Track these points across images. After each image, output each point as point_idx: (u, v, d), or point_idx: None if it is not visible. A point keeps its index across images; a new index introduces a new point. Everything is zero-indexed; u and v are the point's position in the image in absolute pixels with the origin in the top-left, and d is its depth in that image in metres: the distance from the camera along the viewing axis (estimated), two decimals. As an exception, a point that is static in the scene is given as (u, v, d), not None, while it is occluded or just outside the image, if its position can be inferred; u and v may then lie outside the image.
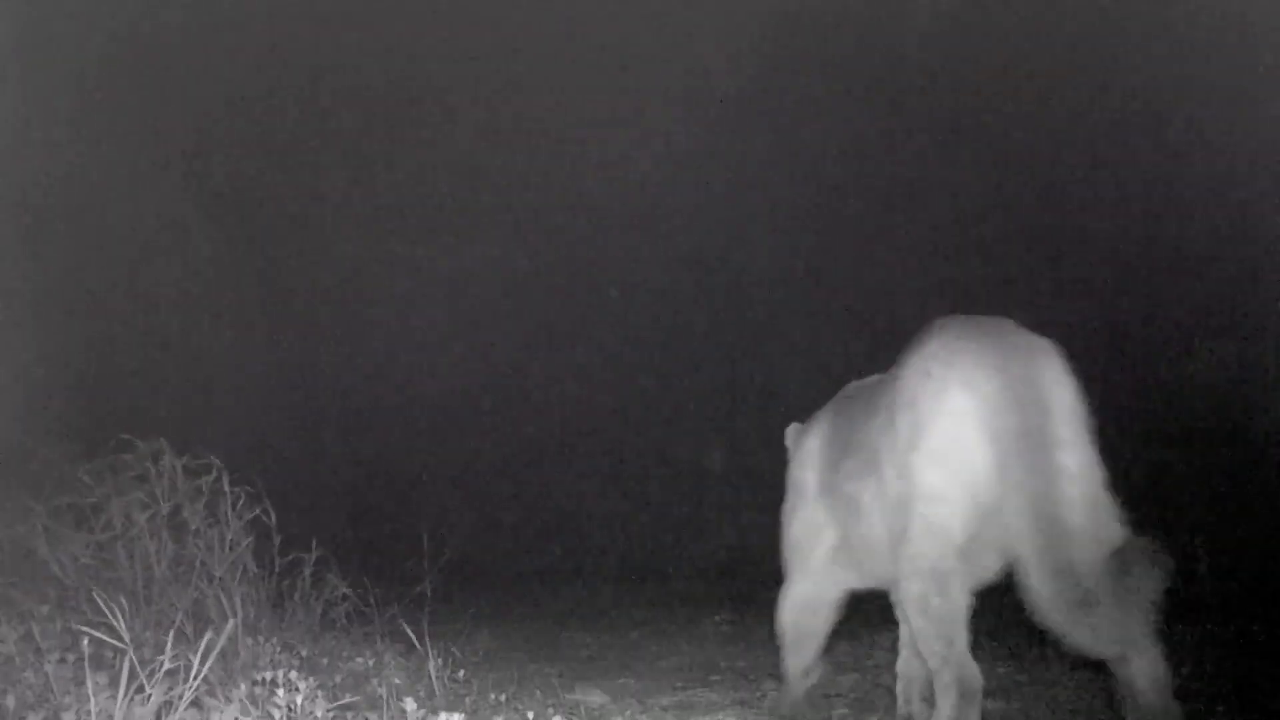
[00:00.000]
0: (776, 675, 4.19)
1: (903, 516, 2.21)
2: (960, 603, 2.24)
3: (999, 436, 2.10)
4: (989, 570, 2.37)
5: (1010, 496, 2.08)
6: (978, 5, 8.45)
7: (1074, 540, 2.05)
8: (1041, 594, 2.06)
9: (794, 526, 2.85)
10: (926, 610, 2.22)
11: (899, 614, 2.73)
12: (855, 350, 10.17)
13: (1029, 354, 2.22)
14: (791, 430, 3.01)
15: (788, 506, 2.91)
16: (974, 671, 2.26)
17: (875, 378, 2.73)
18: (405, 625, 3.67)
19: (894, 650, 4.34)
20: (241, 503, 3.86)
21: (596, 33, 8.84)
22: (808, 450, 2.79)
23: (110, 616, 2.52)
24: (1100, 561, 2.02)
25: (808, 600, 2.86)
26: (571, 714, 3.14)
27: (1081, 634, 2.04)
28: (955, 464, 2.14)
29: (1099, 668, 3.77)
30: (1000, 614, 5.28)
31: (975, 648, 4.17)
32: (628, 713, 3.26)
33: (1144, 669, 2.17)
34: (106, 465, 3.87)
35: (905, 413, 2.21)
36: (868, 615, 5.50)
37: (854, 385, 2.87)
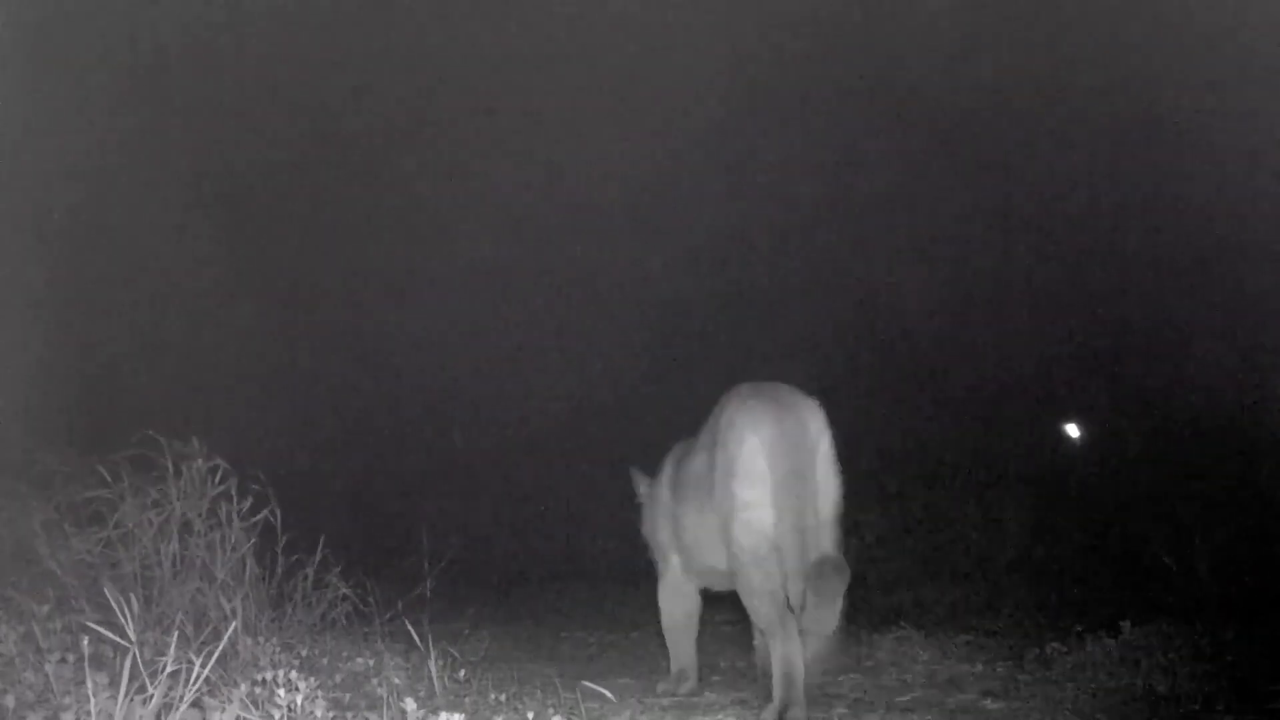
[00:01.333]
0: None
1: (728, 525, 3.01)
2: (777, 580, 2.94)
3: (777, 471, 2.90)
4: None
5: (783, 515, 2.87)
6: (977, 6, 8.45)
7: (812, 551, 2.85)
8: (791, 586, 2.88)
9: (657, 534, 3.74)
10: (752, 586, 2.99)
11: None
12: (854, 350, 10.17)
13: (799, 412, 3.00)
14: (634, 471, 4.00)
15: (647, 522, 3.87)
16: (790, 619, 2.96)
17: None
18: (408, 625, 3.68)
19: (895, 651, 4.36)
20: (248, 503, 3.86)
21: (596, 33, 8.84)
22: (664, 474, 3.68)
23: (119, 614, 2.52)
24: (810, 568, 2.83)
25: (677, 586, 3.69)
26: (571, 714, 3.14)
27: (811, 619, 2.84)
28: (758, 482, 2.92)
29: (1099, 668, 3.79)
30: (999, 614, 5.30)
31: (976, 648, 4.20)
32: (628, 713, 3.27)
33: (783, 654, 2.93)
34: (123, 462, 3.87)
35: (721, 452, 3.04)
36: (868, 616, 5.52)
37: (685, 441, 3.66)
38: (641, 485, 3.96)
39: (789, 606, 2.91)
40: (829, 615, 2.83)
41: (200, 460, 3.82)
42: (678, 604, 3.71)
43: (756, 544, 2.93)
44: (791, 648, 2.92)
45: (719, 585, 3.51)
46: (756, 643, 3.46)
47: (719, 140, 9.64)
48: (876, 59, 9.07)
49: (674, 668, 3.76)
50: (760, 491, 2.91)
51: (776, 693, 2.96)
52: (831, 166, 9.94)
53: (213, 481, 3.83)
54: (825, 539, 2.95)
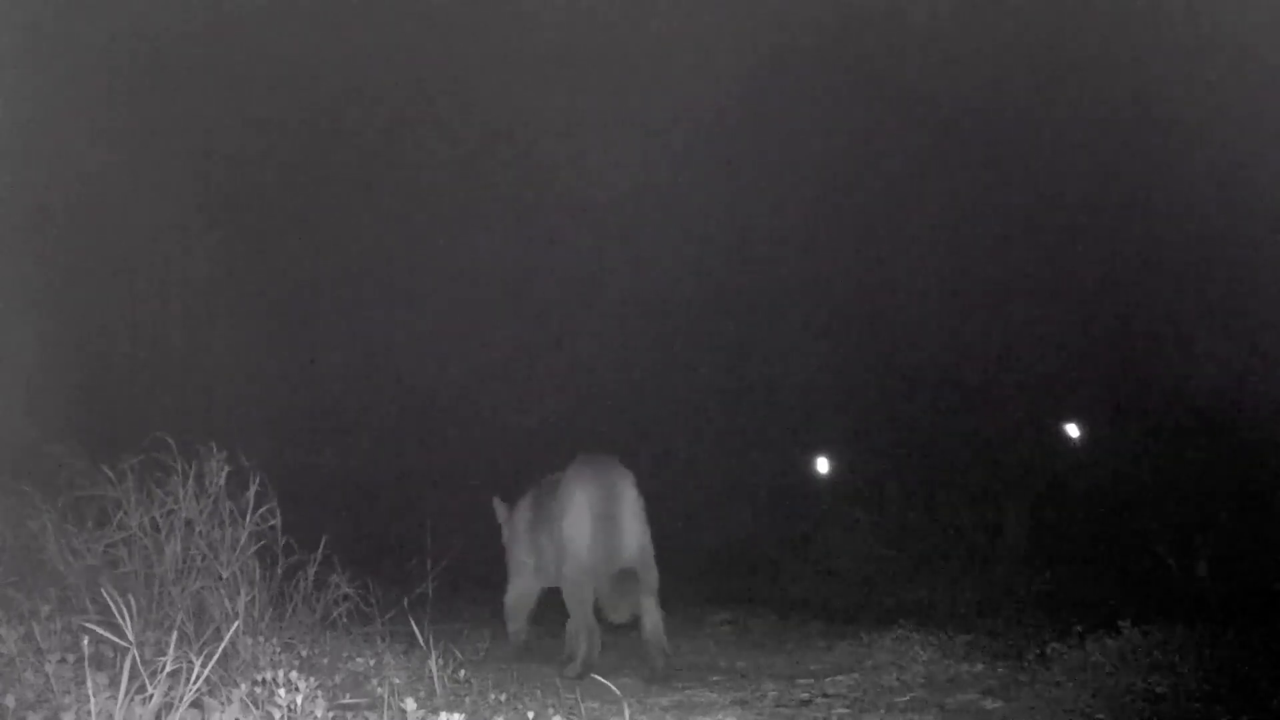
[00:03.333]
0: (776, 675, 4.21)
1: (560, 554, 4.36)
2: (587, 593, 4.30)
3: (597, 518, 4.27)
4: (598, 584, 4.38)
5: (599, 549, 4.24)
6: (978, 8, 8.44)
7: (616, 568, 4.24)
8: (600, 590, 4.25)
9: (514, 552, 4.95)
10: (573, 596, 4.34)
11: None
12: (854, 351, 10.17)
13: (615, 478, 4.34)
14: (496, 501, 5.14)
15: (507, 538, 5.05)
16: (594, 623, 4.33)
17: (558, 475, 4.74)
18: (412, 623, 3.68)
19: (894, 651, 4.37)
20: (250, 504, 3.86)
21: (597, 34, 8.84)
22: (521, 510, 4.87)
23: (118, 615, 2.51)
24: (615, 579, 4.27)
25: (522, 590, 4.90)
26: (571, 714, 3.15)
27: (615, 612, 4.25)
28: (582, 527, 4.28)
29: (1099, 668, 3.79)
30: (999, 614, 5.30)
31: (976, 648, 4.19)
32: (628, 713, 3.26)
33: (650, 624, 4.31)
34: (131, 465, 3.86)
35: (557, 504, 4.39)
36: (868, 618, 5.52)
37: (548, 478, 4.76)
38: (502, 513, 5.11)
39: (598, 603, 4.30)
40: (626, 608, 4.26)
41: (214, 462, 3.81)
42: (522, 595, 4.91)
43: (575, 567, 4.30)
44: (592, 633, 4.32)
45: (554, 587, 4.77)
46: (570, 627, 4.74)
47: (719, 141, 9.64)
48: (877, 60, 9.06)
49: (515, 641, 4.92)
50: (581, 533, 4.27)
51: (580, 654, 4.30)
52: (832, 168, 9.94)
53: (217, 482, 3.82)
54: (630, 557, 4.28)
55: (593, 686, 3.43)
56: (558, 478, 4.53)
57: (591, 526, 4.25)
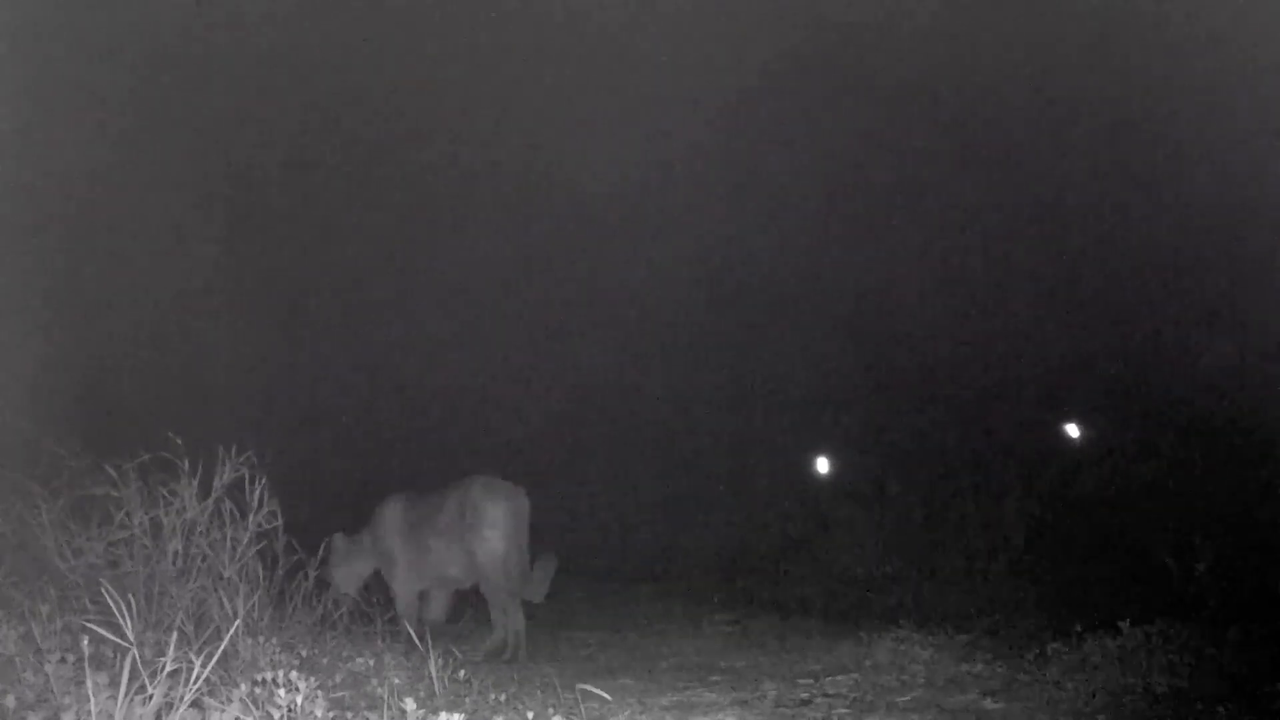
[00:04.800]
0: (776, 675, 4.22)
1: (473, 554, 5.07)
2: (509, 582, 5.04)
3: (507, 526, 5.06)
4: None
5: (510, 546, 5.05)
6: (979, 7, 8.44)
7: (523, 558, 5.09)
8: (518, 577, 5.04)
9: (395, 555, 5.37)
10: (499, 585, 5.02)
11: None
12: (854, 351, 10.17)
13: (516, 494, 5.16)
14: (338, 537, 5.32)
15: (344, 566, 5.38)
16: (515, 598, 5.06)
17: (425, 491, 5.45)
18: (408, 625, 3.68)
19: (894, 651, 4.37)
20: (252, 506, 3.85)
21: (597, 34, 8.84)
22: (392, 527, 5.36)
23: (118, 615, 2.51)
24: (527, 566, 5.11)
25: (409, 583, 5.33)
26: (571, 714, 3.15)
27: (528, 591, 5.03)
28: (499, 530, 5.05)
29: (1099, 668, 3.79)
30: (999, 614, 5.30)
31: (976, 648, 4.18)
32: (627, 713, 3.27)
33: (513, 622, 4.97)
34: (133, 465, 3.85)
35: (472, 511, 5.10)
36: (868, 618, 5.52)
37: (409, 494, 5.46)
38: (342, 545, 5.33)
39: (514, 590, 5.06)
40: (539, 589, 5.06)
41: (226, 464, 3.81)
42: (411, 593, 5.35)
43: (494, 560, 5.01)
44: (517, 614, 5.00)
45: (442, 582, 5.33)
46: (494, 617, 5.27)
47: (719, 142, 9.64)
48: (878, 62, 9.06)
49: (422, 624, 5.26)
50: (499, 533, 5.05)
51: (510, 642, 4.94)
52: (832, 169, 9.94)
53: (220, 482, 3.82)
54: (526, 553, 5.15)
55: (593, 686, 3.43)
56: (456, 490, 5.23)
57: (505, 535, 5.07)
